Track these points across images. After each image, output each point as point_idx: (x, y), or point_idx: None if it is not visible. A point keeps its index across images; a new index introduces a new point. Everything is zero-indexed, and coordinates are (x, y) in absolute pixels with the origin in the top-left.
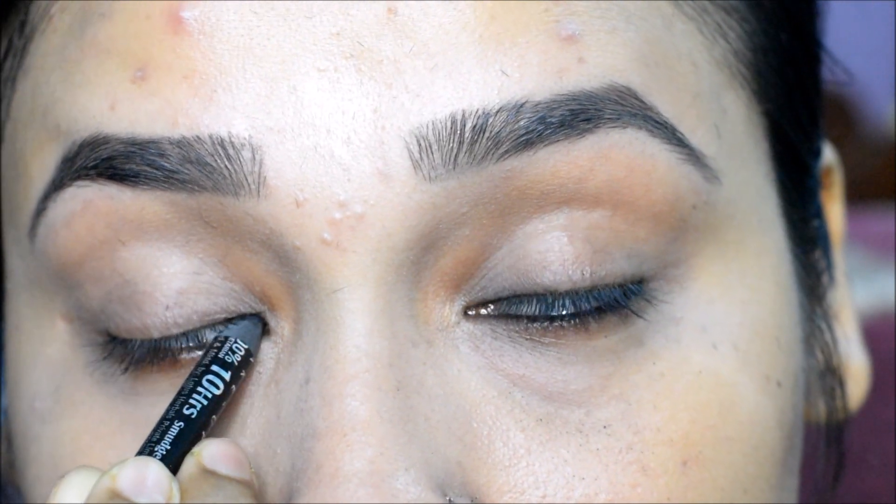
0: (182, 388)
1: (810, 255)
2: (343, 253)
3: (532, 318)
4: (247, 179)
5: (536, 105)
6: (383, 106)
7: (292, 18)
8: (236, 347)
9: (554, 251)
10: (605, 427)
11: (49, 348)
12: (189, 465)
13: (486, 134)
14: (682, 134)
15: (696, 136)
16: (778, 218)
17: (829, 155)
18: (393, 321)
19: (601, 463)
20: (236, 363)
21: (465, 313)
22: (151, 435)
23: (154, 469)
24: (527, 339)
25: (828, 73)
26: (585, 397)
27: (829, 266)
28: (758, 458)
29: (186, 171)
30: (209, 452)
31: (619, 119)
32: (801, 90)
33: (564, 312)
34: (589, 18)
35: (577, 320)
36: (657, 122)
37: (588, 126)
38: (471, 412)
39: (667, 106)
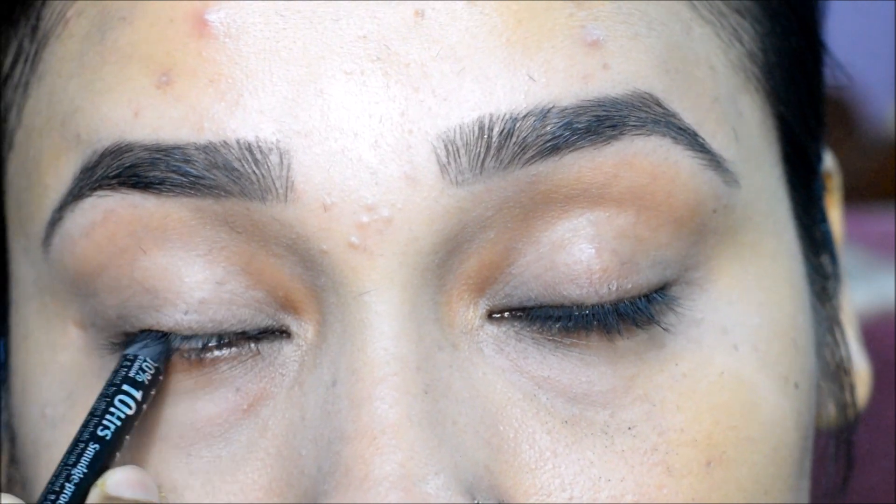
0: (94, 409)
1: (819, 259)
2: (370, 256)
3: (555, 319)
4: (274, 184)
5: (563, 111)
6: (410, 109)
7: (318, 21)
8: (146, 366)
9: (581, 264)
10: (629, 428)
11: (61, 355)
12: (93, 496)
13: (514, 139)
14: (703, 139)
15: (716, 141)
16: (790, 221)
17: (828, 160)
18: (419, 325)
19: (627, 464)
20: (146, 382)
21: (489, 316)
22: (66, 458)
23: None
24: (549, 341)
25: (828, 74)
26: (610, 398)
27: (836, 270)
28: (777, 459)
29: (213, 176)
30: (113, 480)
31: (643, 126)
32: (809, 93)
33: (587, 316)
34: (612, 24)
35: (599, 322)
36: (680, 128)
37: (613, 133)
38: (497, 415)
39: (687, 112)
